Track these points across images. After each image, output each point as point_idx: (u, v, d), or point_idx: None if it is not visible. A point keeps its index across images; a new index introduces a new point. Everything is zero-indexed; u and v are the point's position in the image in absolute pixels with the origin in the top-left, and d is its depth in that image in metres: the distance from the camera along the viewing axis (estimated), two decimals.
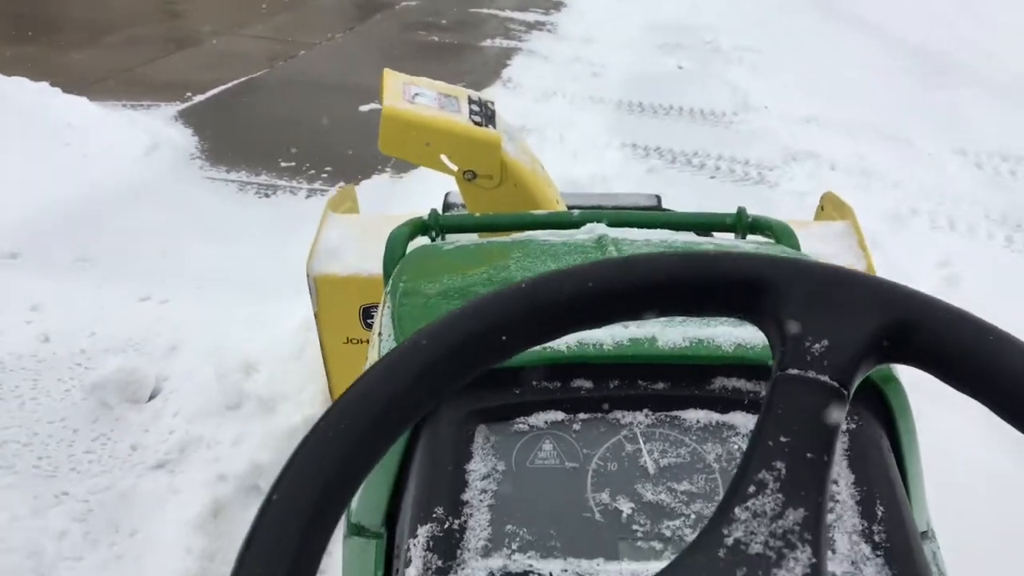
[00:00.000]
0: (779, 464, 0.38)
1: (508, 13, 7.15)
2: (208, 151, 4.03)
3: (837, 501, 0.63)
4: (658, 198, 2.23)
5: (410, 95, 1.63)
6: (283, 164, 3.92)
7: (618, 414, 0.70)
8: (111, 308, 2.61)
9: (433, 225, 1.23)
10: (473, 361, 0.43)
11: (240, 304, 2.62)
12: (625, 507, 0.64)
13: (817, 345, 0.41)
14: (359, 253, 1.70)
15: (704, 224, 1.30)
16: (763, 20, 6.95)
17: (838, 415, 0.39)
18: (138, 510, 1.91)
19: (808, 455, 0.38)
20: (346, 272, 1.68)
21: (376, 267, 1.28)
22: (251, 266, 2.92)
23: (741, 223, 1.28)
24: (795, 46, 6.24)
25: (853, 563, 0.60)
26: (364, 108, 4.59)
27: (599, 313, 0.45)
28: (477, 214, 1.36)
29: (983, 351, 0.41)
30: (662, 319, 0.72)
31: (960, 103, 5.05)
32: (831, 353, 0.41)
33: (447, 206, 2.11)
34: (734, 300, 0.46)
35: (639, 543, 0.62)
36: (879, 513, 0.62)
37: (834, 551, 0.60)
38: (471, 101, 1.70)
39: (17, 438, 2.08)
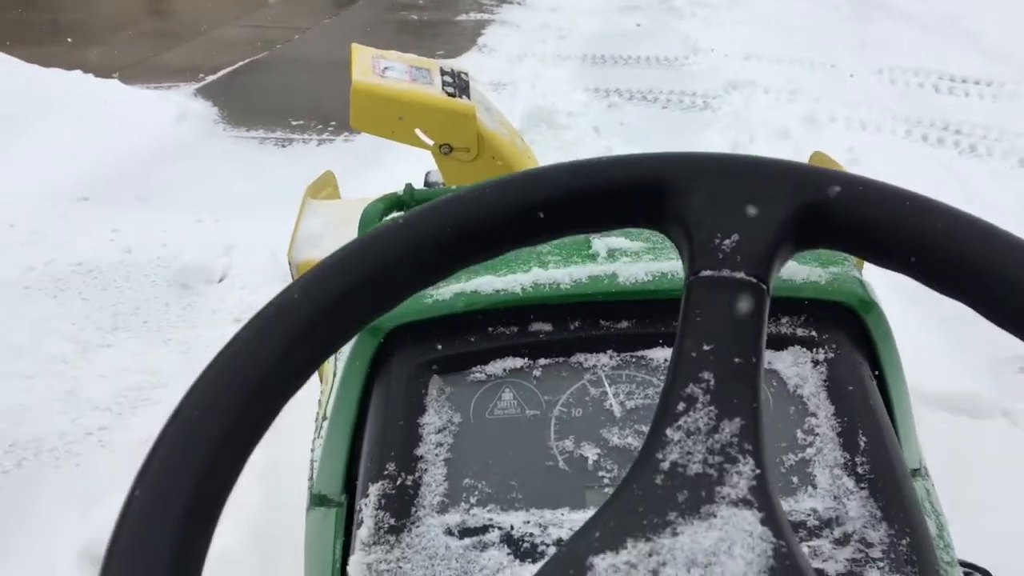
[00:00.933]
0: (706, 375, 0.35)
1: None
2: (228, 117, 4.66)
3: (816, 435, 0.61)
4: None
5: (380, 69, 1.58)
6: (294, 123, 4.55)
7: (581, 357, 0.67)
8: (174, 228, 3.25)
9: (408, 200, 1.19)
10: (356, 312, 0.40)
11: (277, 220, 3.24)
12: (591, 453, 0.62)
13: (727, 241, 0.39)
14: (341, 238, 1.60)
15: None
16: None
17: (760, 312, 0.37)
18: None
19: (735, 360, 0.36)
20: None
21: None
22: (280, 195, 3.54)
23: None
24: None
25: (835, 498, 0.58)
26: None
27: (490, 242, 0.42)
28: (453, 187, 1.30)
29: (903, 219, 0.38)
30: (625, 255, 0.72)
31: (885, 34, 5.70)
32: (743, 247, 0.39)
33: (428, 184, 2.10)
34: (634, 209, 0.42)
35: (606, 489, 0.60)
36: (862, 444, 0.59)
37: (815, 486, 0.58)
38: (443, 72, 1.66)
39: (125, 310, 2.72)
